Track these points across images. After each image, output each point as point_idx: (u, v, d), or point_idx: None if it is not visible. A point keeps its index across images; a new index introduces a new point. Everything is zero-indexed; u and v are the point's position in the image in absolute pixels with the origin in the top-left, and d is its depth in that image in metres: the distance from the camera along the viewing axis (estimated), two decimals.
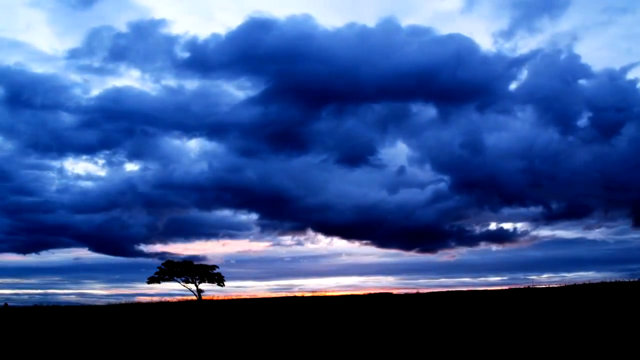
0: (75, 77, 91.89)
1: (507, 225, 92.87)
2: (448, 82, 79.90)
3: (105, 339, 20.06)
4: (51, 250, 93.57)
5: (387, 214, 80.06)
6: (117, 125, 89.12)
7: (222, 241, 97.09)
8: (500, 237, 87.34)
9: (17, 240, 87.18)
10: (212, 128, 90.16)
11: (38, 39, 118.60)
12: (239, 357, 15.32)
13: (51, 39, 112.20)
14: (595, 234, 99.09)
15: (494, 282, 74.64)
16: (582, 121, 78.67)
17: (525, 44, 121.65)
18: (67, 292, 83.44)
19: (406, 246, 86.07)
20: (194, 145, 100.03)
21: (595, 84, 78.38)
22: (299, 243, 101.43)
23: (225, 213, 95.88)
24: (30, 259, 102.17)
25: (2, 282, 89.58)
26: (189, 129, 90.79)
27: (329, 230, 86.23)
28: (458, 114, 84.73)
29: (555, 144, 77.33)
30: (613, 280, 37.23)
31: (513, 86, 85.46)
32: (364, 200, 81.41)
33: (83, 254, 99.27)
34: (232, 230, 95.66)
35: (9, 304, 48.09)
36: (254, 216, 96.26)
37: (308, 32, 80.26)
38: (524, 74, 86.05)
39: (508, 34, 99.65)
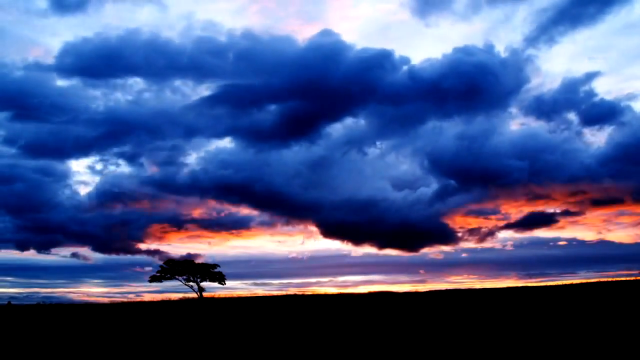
0: (72, 81, 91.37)
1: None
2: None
3: (108, 337, 20.42)
4: (53, 249, 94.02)
5: (383, 212, 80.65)
6: (118, 126, 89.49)
7: (224, 238, 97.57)
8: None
9: (19, 239, 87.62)
10: (212, 127, 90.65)
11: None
12: (239, 353, 15.68)
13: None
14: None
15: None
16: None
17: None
18: (70, 291, 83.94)
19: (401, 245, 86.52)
20: (195, 143, 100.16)
21: None
22: (302, 242, 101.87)
23: (229, 211, 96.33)
24: (33, 257, 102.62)
25: (5, 280, 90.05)
26: (191, 127, 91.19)
27: (330, 228, 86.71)
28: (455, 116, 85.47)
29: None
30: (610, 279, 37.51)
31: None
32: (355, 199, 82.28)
33: (85, 252, 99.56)
34: (234, 230, 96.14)
35: (12, 302, 48.55)
36: (256, 214, 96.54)
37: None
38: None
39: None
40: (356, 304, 32.97)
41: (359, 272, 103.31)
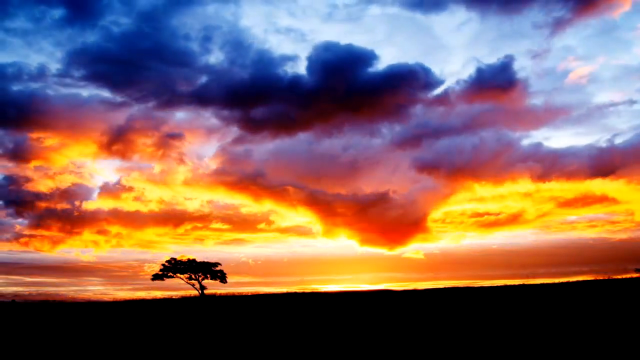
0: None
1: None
2: None
3: (111, 335, 20.80)
4: (56, 248, 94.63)
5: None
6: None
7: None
8: None
9: (22, 236, 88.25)
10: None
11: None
12: (238, 348, 16.02)
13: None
14: None
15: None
16: None
17: None
18: (72, 289, 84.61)
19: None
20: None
21: None
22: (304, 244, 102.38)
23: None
24: (37, 256, 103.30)
25: (9, 278, 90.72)
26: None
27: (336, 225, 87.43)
28: None
29: None
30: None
31: None
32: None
33: (88, 250, 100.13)
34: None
35: (16, 299, 49.05)
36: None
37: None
38: None
39: None
40: (357, 302, 33.26)
41: (362, 269, 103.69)
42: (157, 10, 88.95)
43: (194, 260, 56.74)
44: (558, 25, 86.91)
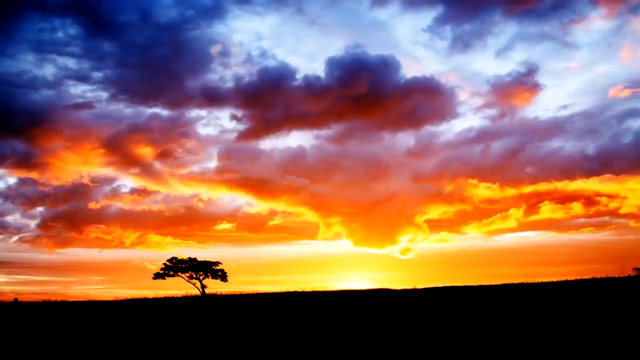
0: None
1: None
2: None
3: (113, 334, 21.03)
4: (57, 247, 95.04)
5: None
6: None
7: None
8: None
9: (25, 237, 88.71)
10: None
11: None
12: (239, 347, 16.23)
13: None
14: None
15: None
16: None
17: None
18: (76, 288, 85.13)
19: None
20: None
21: None
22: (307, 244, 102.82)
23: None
24: (42, 256, 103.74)
25: (15, 277, 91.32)
26: None
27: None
28: None
29: None
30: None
31: None
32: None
33: (89, 249, 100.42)
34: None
35: (19, 299, 49.35)
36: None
37: None
38: None
39: None
40: (357, 301, 33.45)
41: (362, 269, 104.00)
42: (169, 19, 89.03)
43: (194, 259, 57.02)
44: (567, 27, 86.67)
